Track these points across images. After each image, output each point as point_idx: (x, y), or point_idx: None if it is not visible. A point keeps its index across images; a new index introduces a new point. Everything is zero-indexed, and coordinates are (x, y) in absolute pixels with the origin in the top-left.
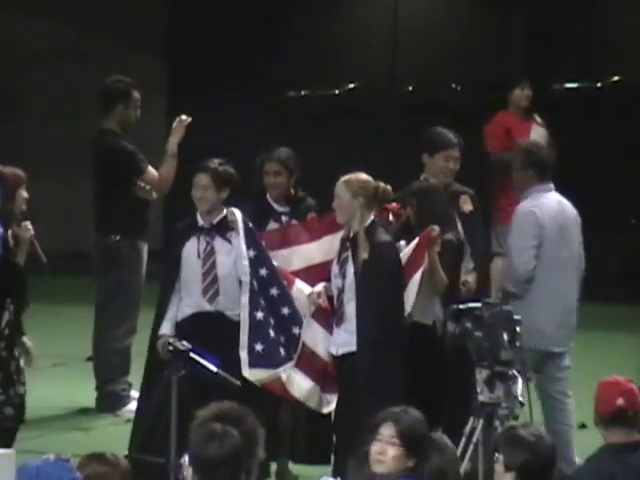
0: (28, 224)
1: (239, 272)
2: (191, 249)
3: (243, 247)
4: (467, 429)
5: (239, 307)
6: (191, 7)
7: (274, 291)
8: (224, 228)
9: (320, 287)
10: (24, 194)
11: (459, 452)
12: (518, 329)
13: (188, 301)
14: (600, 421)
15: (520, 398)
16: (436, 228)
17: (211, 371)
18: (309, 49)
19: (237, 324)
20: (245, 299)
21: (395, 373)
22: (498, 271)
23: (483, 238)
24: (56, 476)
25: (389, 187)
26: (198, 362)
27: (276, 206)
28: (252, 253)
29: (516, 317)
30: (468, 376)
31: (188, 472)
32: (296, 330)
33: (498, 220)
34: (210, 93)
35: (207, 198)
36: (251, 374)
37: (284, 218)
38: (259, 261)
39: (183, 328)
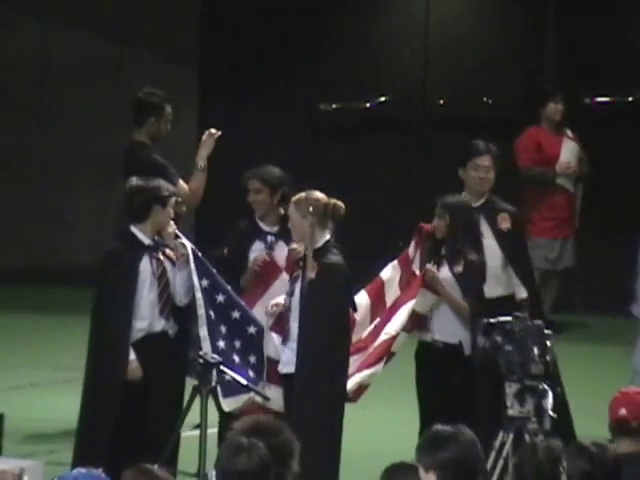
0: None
1: (180, 297)
2: (146, 268)
3: (195, 279)
4: (497, 443)
5: (176, 326)
6: (224, 20)
7: (236, 314)
8: (163, 246)
9: (280, 299)
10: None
11: (489, 466)
12: (549, 343)
13: (140, 323)
14: (610, 431)
15: (551, 412)
16: (430, 267)
17: (241, 384)
18: (341, 62)
19: (174, 342)
20: (204, 332)
21: (331, 397)
22: None
23: (527, 256)
24: None
25: (340, 203)
26: (229, 375)
27: (263, 225)
28: (205, 282)
29: (547, 331)
30: (497, 390)
31: None
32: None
33: (528, 234)
34: (241, 105)
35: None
36: (227, 405)
37: (269, 238)
38: (214, 288)
39: (140, 348)
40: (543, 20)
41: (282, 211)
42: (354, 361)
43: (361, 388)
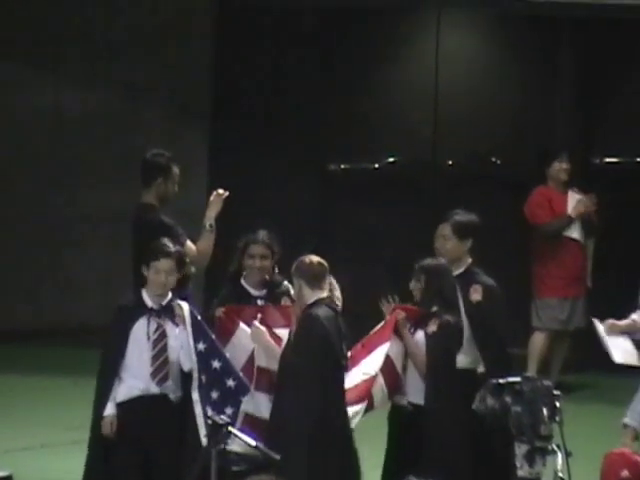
0: None
1: (184, 363)
2: (140, 330)
3: (191, 341)
4: None
5: (180, 391)
6: (234, 80)
7: (230, 382)
8: (172, 311)
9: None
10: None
11: None
12: (558, 404)
13: (133, 382)
14: None
15: (560, 474)
16: (401, 313)
17: (250, 445)
18: (349, 122)
19: (177, 406)
20: (196, 395)
21: (303, 448)
22: (535, 345)
23: (493, 332)
24: None
25: (316, 260)
26: (237, 436)
27: (251, 290)
28: (202, 346)
29: (556, 392)
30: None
31: None
32: (229, 411)
33: (539, 294)
34: (251, 166)
35: (170, 283)
36: None
37: (259, 302)
38: (210, 353)
39: (128, 409)
40: (554, 83)
41: (267, 276)
42: None
43: None
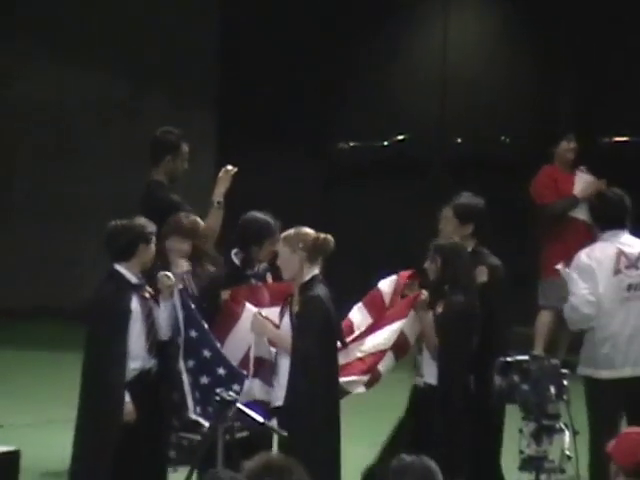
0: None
1: (165, 332)
2: (136, 308)
3: (179, 310)
4: None
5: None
6: (241, 59)
7: (206, 353)
8: (149, 284)
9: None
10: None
11: None
12: (565, 382)
13: (134, 363)
14: (620, 471)
15: (567, 452)
16: (425, 293)
17: (258, 422)
18: (358, 100)
19: (157, 379)
20: (182, 364)
21: (317, 430)
22: (542, 324)
23: (499, 311)
24: None
25: (329, 237)
26: (245, 412)
27: (250, 271)
28: (183, 314)
29: (563, 371)
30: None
31: None
32: (236, 387)
33: (545, 275)
34: (258, 143)
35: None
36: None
37: (253, 281)
38: (189, 323)
39: (133, 388)
40: (563, 60)
41: None
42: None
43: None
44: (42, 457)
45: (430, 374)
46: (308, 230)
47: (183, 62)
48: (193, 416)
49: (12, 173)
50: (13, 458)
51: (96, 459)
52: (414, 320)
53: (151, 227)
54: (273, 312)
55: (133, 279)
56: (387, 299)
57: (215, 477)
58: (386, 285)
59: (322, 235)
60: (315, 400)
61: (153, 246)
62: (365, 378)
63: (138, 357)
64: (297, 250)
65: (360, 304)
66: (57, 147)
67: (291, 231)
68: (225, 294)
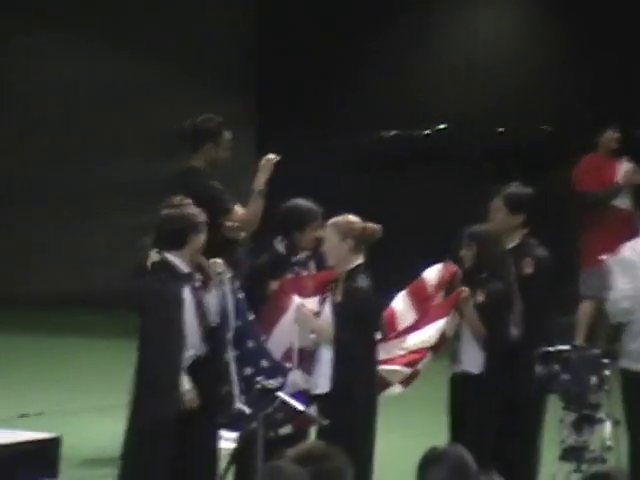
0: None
1: (214, 319)
2: (188, 296)
3: (229, 298)
4: (557, 474)
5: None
6: (279, 45)
7: (251, 344)
8: (200, 272)
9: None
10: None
11: None
12: (606, 372)
13: (191, 352)
14: None
15: (608, 442)
16: (466, 290)
17: (298, 410)
18: (401, 88)
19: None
20: (230, 353)
21: (357, 418)
22: (584, 314)
23: (541, 304)
24: None
25: (377, 227)
26: (286, 401)
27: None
28: (239, 323)
29: (604, 361)
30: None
31: None
32: (280, 380)
33: (586, 262)
34: (299, 132)
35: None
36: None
37: (297, 268)
38: (247, 332)
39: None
40: (602, 49)
41: None
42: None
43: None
44: (83, 444)
45: (469, 362)
46: (356, 219)
47: (223, 48)
48: (239, 405)
49: (39, 156)
50: (54, 445)
51: (153, 449)
52: (453, 316)
53: (202, 216)
54: (314, 301)
55: (185, 269)
56: (431, 289)
57: (277, 470)
58: (431, 275)
59: (370, 225)
60: (355, 390)
61: (203, 235)
62: (407, 370)
63: (193, 345)
64: (346, 239)
65: (404, 292)
66: (90, 132)
67: (340, 219)
68: (274, 284)
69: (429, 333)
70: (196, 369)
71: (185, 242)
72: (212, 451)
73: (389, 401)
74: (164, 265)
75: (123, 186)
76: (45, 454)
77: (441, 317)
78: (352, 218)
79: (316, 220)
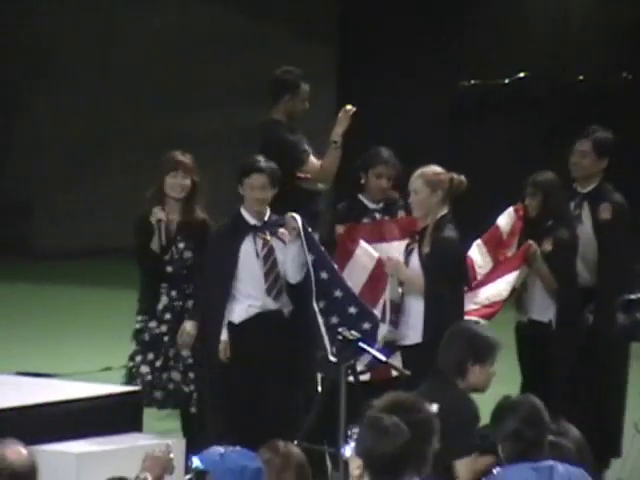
0: (157, 210)
1: (292, 275)
2: (249, 249)
3: (307, 252)
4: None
5: (291, 305)
6: None
7: (338, 293)
8: (274, 226)
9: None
10: (174, 180)
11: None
12: None
13: (250, 301)
14: None
15: None
16: (533, 244)
17: (380, 360)
18: (480, 37)
19: (292, 321)
20: (316, 306)
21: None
22: None
23: (619, 250)
24: (241, 463)
25: (463, 178)
26: (368, 351)
27: (370, 204)
28: (312, 257)
29: None
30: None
31: (353, 463)
32: (366, 325)
33: None
34: (379, 82)
35: (266, 198)
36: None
37: (377, 215)
38: (319, 265)
39: (245, 328)
40: None
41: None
42: None
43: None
44: None
45: (536, 311)
46: (443, 170)
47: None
48: (332, 358)
49: (132, 109)
50: (137, 396)
51: (208, 395)
52: (522, 269)
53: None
54: (396, 248)
55: (252, 221)
56: (505, 235)
57: (376, 420)
58: (503, 221)
59: (456, 176)
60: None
61: (274, 190)
62: (482, 322)
63: (254, 297)
64: (436, 190)
65: (479, 241)
66: (178, 84)
67: (427, 170)
68: (340, 228)
69: (501, 287)
70: (270, 323)
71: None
72: (299, 399)
73: None
74: (234, 216)
75: (203, 138)
76: (128, 407)
77: (512, 271)
78: (438, 169)
79: (378, 164)
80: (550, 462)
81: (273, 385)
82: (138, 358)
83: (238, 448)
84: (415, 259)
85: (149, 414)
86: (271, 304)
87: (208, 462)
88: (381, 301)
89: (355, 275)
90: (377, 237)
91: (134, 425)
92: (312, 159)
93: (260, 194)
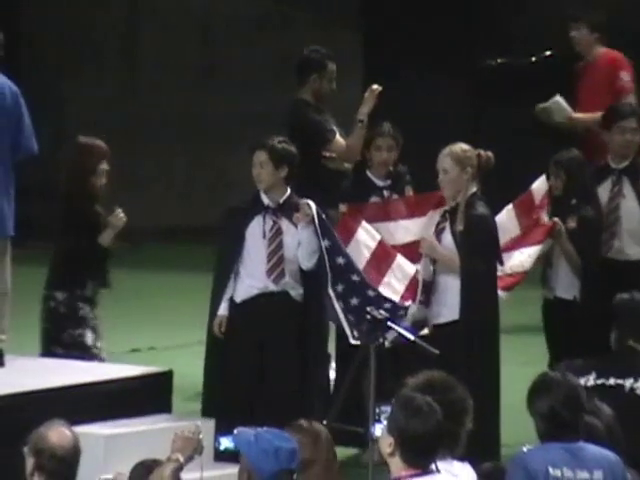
0: (120, 212)
1: (302, 261)
2: (256, 228)
3: (321, 239)
4: None
5: (301, 288)
6: None
7: (355, 277)
8: (289, 209)
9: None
10: (105, 167)
11: None
12: None
13: (251, 281)
14: None
15: None
16: (558, 221)
17: (408, 339)
18: (506, 16)
19: (301, 304)
20: (331, 291)
21: (491, 343)
22: None
23: None
24: (275, 443)
25: (490, 154)
26: (396, 330)
27: (377, 181)
28: (327, 243)
29: None
30: None
31: (385, 441)
32: (387, 305)
33: None
34: (405, 61)
35: (263, 176)
36: None
37: (385, 192)
38: (335, 250)
39: (247, 308)
40: None
41: (391, 168)
42: None
43: None
44: (193, 377)
45: (561, 288)
46: (470, 147)
47: None
48: (353, 341)
49: (158, 92)
50: (166, 378)
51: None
52: (546, 244)
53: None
54: (414, 223)
55: (266, 200)
56: (537, 200)
57: (410, 399)
58: (538, 186)
59: (483, 152)
60: (484, 318)
61: (292, 170)
62: (503, 295)
63: (256, 278)
64: (466, 168)
65: (510, 206)
66: (202, 66)
67: (455, 148)
68: (342, 207)
69: (524, 257)
70: (270, 304)
71: None
72: (311, 382)
73: None
74: (253, 194)
75: (235, 118)
76: (158, 387)
77: (536, 244)
78: (465, 146)
79: (377, 137)
80: (581, 443)
81: (274, 368)
82: None
83: (266, 428)
84: (448, 237)
85: (179, 394)
86: (272, 286)
87: (241, 443)
88: (384, 280)
89: (356, 255)
90: (382, 216)
91: (163, 406)
92: (338, 138)
93: (258, 171)
